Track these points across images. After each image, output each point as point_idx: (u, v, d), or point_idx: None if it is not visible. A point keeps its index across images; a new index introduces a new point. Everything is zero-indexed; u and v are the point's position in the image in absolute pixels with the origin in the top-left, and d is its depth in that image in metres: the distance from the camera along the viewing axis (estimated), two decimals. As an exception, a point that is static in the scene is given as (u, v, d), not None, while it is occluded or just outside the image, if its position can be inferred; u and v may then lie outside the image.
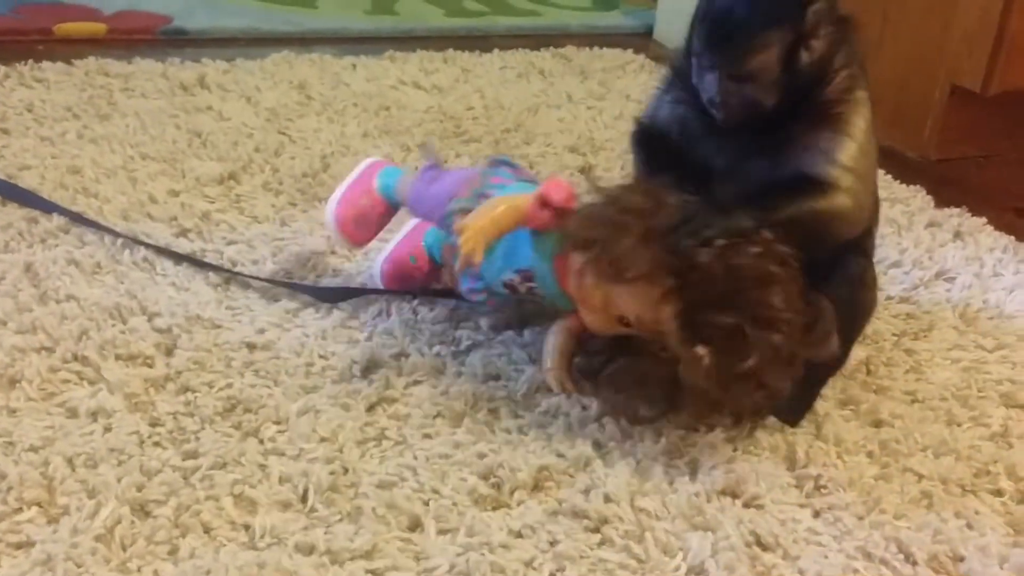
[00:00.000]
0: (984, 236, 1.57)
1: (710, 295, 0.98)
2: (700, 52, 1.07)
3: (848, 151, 1.06)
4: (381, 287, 1.28)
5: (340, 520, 0.91)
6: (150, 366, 1.08)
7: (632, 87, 2.08)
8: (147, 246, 1.30)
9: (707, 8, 1.06)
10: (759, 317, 0.98)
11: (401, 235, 1.32)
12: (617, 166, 1.72)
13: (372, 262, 1.31)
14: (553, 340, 1.13)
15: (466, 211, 1.10)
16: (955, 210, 1.64)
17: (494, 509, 0.95)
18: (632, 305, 1.03)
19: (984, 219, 1.62)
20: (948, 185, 1.79)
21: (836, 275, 1.08)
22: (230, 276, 1.26)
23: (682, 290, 0.99)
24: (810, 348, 1.04)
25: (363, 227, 1.27)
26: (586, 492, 0.97)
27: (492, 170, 1.19)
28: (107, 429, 0.99)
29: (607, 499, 0.96)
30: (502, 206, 1.08)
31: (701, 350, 0.98)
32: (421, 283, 1.28)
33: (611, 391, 1.07)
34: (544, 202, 1.06)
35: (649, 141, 1.18)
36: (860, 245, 1.14)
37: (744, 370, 0.98)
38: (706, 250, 0.99)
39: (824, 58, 1.05)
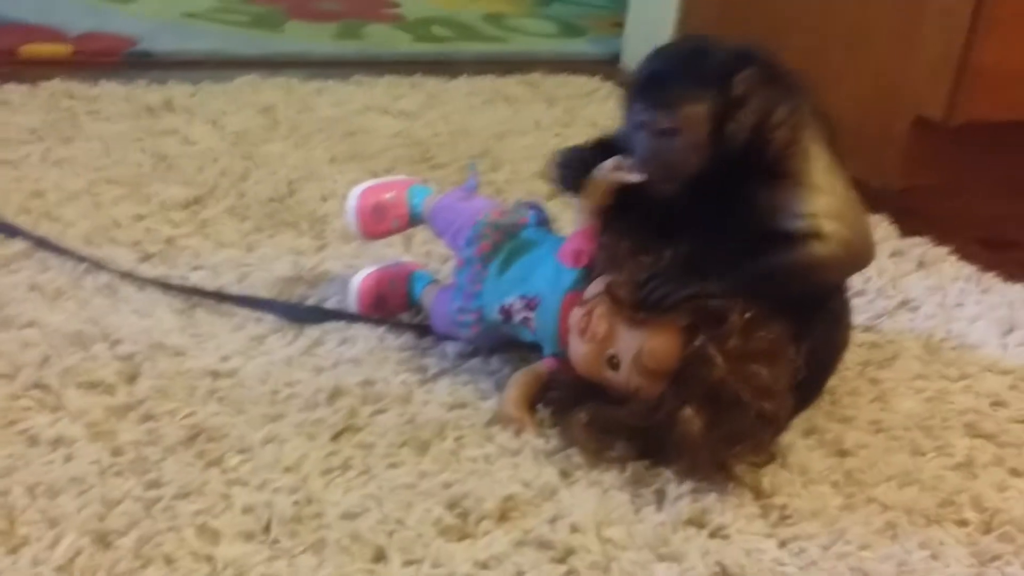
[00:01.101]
0: (947, 266, 1.59)
1: (720, 352, 1.00)
2: (631, 109, 1.07)
3: (815, 200, 1.05)
4: (354, 302, 1.27)
5: (303, 552, 0.90)
6: (112, 394, 1.07)
7: (599, 114, 2.09)
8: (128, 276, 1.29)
9: (639, 71, 1.08)
10: (758, 387, 1.00)
11: (388, 263, 1.33)
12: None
13: (349, 281, 1.30)
14: (517, 376, 1.14)
15: (496, 228, 1.19)
16: (918, 239, 1.66)
17: (459, 540, 0.94)
18: (634, 342, 1.04)
19: (947, 249, 1.64)
20: (911, 214, 1.81)
21: (815, 313, 1.09)
22: (196, 302, 1.25)
23: (692, 334, 1.01)
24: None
25: (378, 219, 1.30)
26: (552, 522, 0.96)
27: (522, 210, 1.23)
28: (68, 458, 0.97)
29: (573, 529, 0.95)
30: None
31: (690, 412, 1.00)
32: (392, 310, 1.28)
33: (579, 432, 1.06)
34: (583, 236, 1.13)
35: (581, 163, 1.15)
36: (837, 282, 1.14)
37: (734, 433, 1.01)
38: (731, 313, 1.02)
39: (757, 127, 1.04)
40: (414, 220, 1.31)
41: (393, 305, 1.28)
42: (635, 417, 1.05)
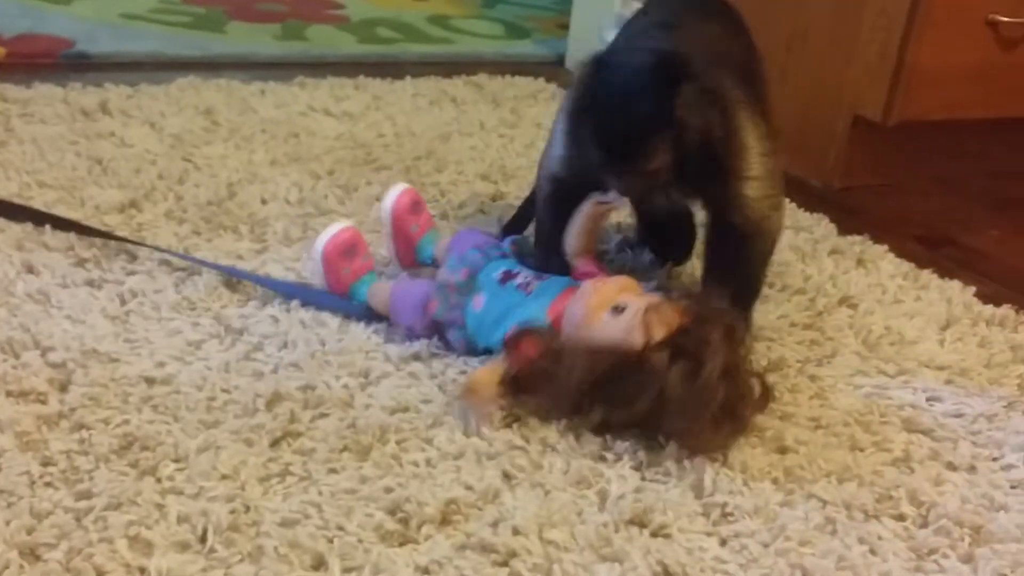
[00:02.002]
0: (886, 263, 1.61)
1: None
2: (596, 161, 1.15)
3: (751, 188, 1.21)
4: (325, 241, 1.27)
5: (240, 561, 0.88)
6: (43, 403, 1.04)
7: (544, 115, 2.09)
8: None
9: (592, 114, 1.14)
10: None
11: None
12: (528, 193, 1.72)
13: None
14: (482, 369, 1.15)
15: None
16: (858, 237, 1.68)
17: (401, 545, 0.93)
18: (642, 302, 1.11)
19: (886, 246, 1.66)
20: (851, 213, 1.83)
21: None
22: (130, 308, 1.23)
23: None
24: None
25: (413, 214, 1.39)
26: (494, 525, 0.96)
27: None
28: (-4, 469, 0.95)
29: (515, 531, 0.95)
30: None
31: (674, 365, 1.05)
32: (346, 278, 1.28)
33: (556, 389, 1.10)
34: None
35: (566, 198, 1.28)
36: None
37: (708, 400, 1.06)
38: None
39: (705, 129, 1.13)
40: (422, 258, 1.40)
41: (356, 267, 1.29)
42: (616, 357, 1.08)
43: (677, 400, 1.05)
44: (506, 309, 1.18)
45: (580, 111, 1.17)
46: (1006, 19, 1.89)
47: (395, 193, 1.38)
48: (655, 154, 1.12)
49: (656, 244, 1.54)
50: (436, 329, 1.23)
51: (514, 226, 1.49)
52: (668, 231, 1.52)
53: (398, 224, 1.38)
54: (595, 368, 1.08)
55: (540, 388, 1.11)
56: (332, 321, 1.25)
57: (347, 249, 1.28)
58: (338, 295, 1.28)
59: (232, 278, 1.32)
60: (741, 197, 1.20)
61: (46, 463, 0.96)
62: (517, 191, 1.74)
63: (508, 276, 1.22)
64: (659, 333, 1.07)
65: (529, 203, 1.48)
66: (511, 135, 2.00)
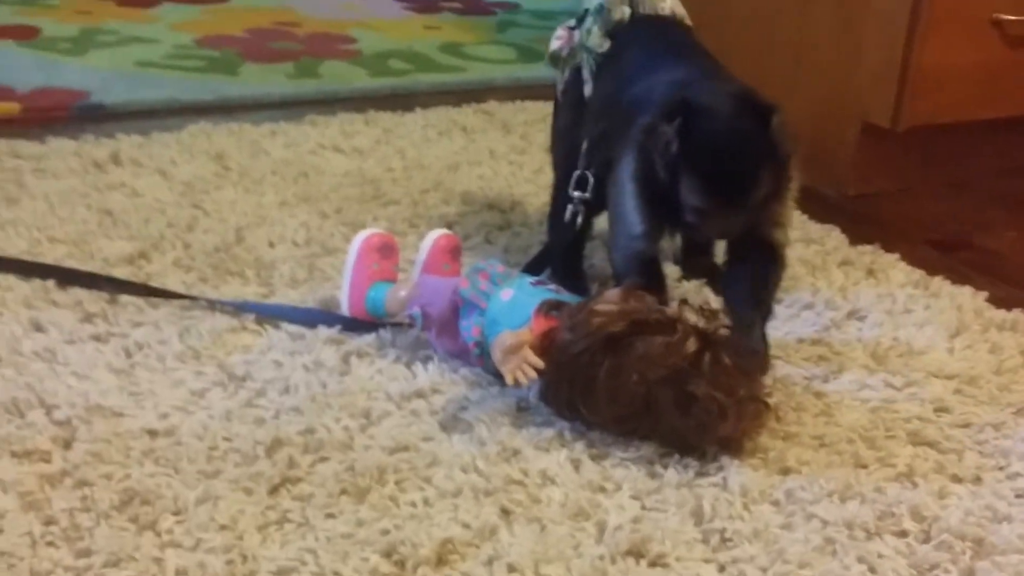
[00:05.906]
0: (896, 272, 1.59)
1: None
2: (699, 207, 1.20)
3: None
4: (361, 241, 1.38)
5: (235, 611, 0.90)
6: (47, 461, 1.06)
7: (553, 140, 2.09)
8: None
9: (698, 163, 1.18)
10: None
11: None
12: (535, 220, 1.73)
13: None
14: (512, 332, 1.18)
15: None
16: (868, 247, 1.67)
17: (396, 587, 0.94)
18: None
19: (897, 255, 1.64)
20: (864, 220, 1.81)
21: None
22: (136, 360, 1.25)
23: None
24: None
25: (453, 257, 1.43)
26: (489, 563, 0.96)
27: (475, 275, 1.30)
28: (-1, 531, 0.97)
29: (511, 569, 0.95)
30: None
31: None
32: (383, 271, 1.38)
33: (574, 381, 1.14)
34: None
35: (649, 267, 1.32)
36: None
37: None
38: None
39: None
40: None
41: (385, 267, 1.37)
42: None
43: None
44: (536, 299, 1.22)
45: (673, 164, 1.19)
46: (1011, 17, 1.86)
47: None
48: (762, 185, 1.19)
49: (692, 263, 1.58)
50: (452, 313, 1.27)
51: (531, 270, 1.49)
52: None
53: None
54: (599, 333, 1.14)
55: (552, 357, 1.15)
56: (334, 362, 1.27)
57: (383, 246, 1.39)
58: (355, 293, 1.37)
59: (230, 325, 1.34)
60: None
61: (48, 522, 0.98)
62: (523, 218, 1.75)
63: (541, 283, 1.28)
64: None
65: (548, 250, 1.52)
66: (520, 161, 2.00)
